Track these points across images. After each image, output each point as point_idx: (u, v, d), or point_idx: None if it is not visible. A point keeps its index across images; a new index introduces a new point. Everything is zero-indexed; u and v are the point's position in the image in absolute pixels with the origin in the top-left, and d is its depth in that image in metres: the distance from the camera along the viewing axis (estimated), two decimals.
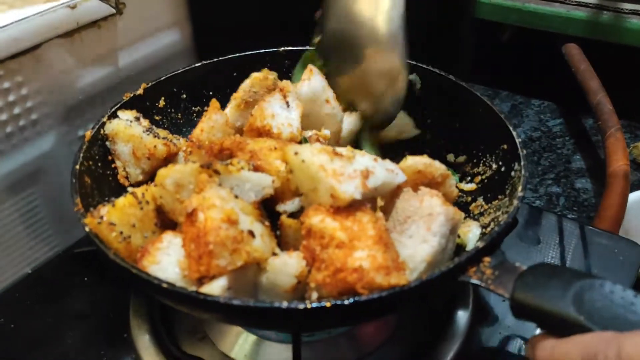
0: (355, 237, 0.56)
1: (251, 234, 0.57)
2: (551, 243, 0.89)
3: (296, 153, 0.61)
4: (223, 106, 0.87)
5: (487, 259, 0.58)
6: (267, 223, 0.63)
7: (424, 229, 0.60)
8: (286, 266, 0.58)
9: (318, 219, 0.57)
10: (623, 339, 0.45)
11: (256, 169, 0.66)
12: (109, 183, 0.76)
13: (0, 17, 0.79)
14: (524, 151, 0.72)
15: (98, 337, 0.81)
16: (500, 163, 0.77)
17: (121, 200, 0.63)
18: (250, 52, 0.92)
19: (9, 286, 0.88)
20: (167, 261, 0.60)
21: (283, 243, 0.64)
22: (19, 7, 0.82)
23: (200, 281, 0.57)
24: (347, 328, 0.77)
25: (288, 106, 0.74)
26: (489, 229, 0.70)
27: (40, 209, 0.89)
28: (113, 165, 0.77)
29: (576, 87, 1.29)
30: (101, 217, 0.60)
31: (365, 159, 0.62)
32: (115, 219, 0.61)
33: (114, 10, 0.87)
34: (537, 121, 1.42)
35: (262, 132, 0.73)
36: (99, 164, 0.74)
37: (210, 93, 0.90)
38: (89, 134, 0.74)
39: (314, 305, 0.51)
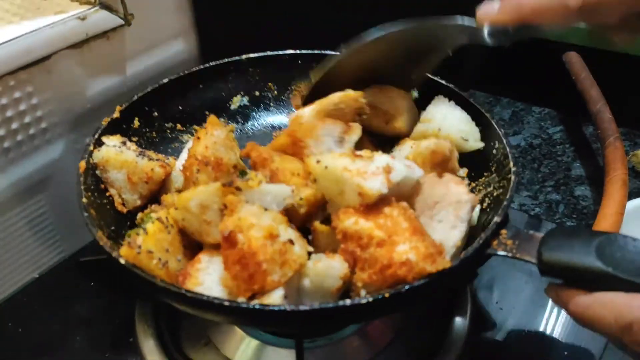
0: (393, 233, 0.59)
1: (291, 242, 0.60)
2: None
3: (318, 161, 0.64)
4: (193, 120, 0.90)
5: (504, 232, 0.62)
6: (293, 226, 0.65)
7: (453, 215, 0.65)
8: (331, 269, 0.61)
9: (351, 222, 0.60)
10: None
11: (272, 180, 0.68)
12: (108, 212, 0.75)
13: (12, 28, 0.81)
14: (502, 130, 0.77)
15: (104, 341, 0.83)
16: None
17: (151, 227, 0.63)
18: (213, 63, 0.93)
19: (16, 291, 0.90)
20: (210, 280, 0.62)
21: (315, 247, 0.66)
22: (31, 18, 0.84)
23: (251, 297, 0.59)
24: (348, 333, 0.79)
25: (341, 144, 0.74)
26: (485, 204, 0.74)
27: (48, 215, 0.91)
28: (107, 194, 0.76)
29: (577, 95, 1.30)
30: (139, 247, 0.60)
31: (383, 158, 0.65)
32: (152, 246, 0.61)
33: (122, 22, 0.89)
34: (537, 128, 1.43)
35: (297, 147, 0.73)
36: (96, 194, 0.73)
37: (180, 108, 0.91)
38: (82, 164, 0.72)
39: (372, 298, 0.55)
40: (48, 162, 0.88)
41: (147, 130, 0.87)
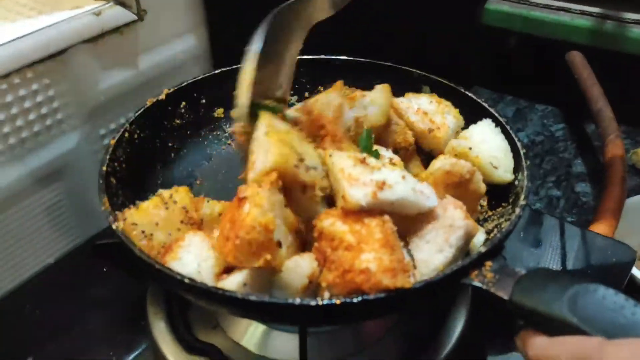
0: (363, 240, 0.58)
1: (279, 244, 0.60)
2: (550, 245, 0.93)
3: (330, 155, 0.66)
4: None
5: (488, 263, 0.61)
6: (296, 238, 0.66)
7: (443, 238, 0.63)
8: (299, 267, 0.61)
9: (329, 222, 0.61)
10: (608, 346, 0.48)
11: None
12: (134, 185, 0.79)
13: (30, 22, 0.84)
14: (527, 162, 0.75)
15: (117, 324, 0.87)
16: None
17: (146, 203, 0.68)
18: None
19: (33, 275, 0.94)
20: (187, 258, 0.64)
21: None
22: (48, 12, 0.87)
23: (219, 275, 0.62)
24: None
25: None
26: (492, 234, 0.73)
27: (64, 202, 0.94)
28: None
29: (579, 93, 1.32)
30: (125, 219, 0.66)
31: (392, 174, 0.63)
32: (137, 219, 0.66)
33: (135, 17, 0.92)
34: (540, 125, 1.45)
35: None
36: (124, 165, 0.78)
37: (228, 99, 0.94)
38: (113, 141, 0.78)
39: (325, 302, 0.55)
40: (63, 152, 0.91)
41: (191, 115, 0.91)
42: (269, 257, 0.58)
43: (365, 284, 0.56)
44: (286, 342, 0.80)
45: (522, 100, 1.54)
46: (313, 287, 0.62)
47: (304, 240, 0.67)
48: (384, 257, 0.57)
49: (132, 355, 0.82)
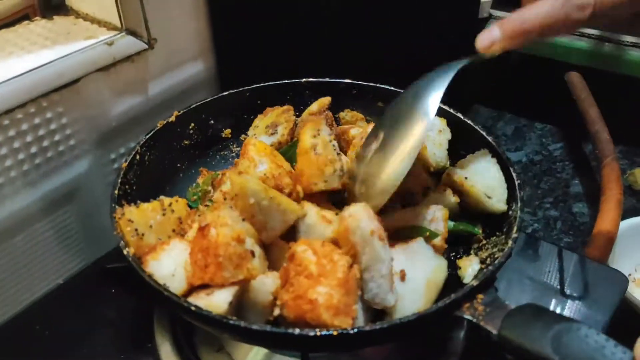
0: (324, 274, 0.61)
1: (252, 253, 0.65)
2: (547, 270, 0.94)
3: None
4: (244, 131, 0.97)
5: (480, 296, 0.63)
6: (261, 245, 0.70)
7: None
8: (264, 285, 0.65)
9: (302, 249, 0.64)
10: None
11: None
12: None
13: (45, 53, 0.87)
14: (522, 193, 0.76)
15: (124, 345, 0.88)
16: None
17: (146, 205, 0.73)
18: (272, 83, 0.99)
19: (42, 295, 0.96)
20: (167, 261, 0.68)
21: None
22: (62, 42, 0.90)
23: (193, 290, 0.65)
24: None
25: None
26: (485, 264, 0.75)
27: (73, 225, 0.97)
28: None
29: (578, 112, 1.34)
30: (123, 214, 0.70)
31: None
32: (134, 217, 0.70)
33: (146, 46, 0.95)
34: (539, 144, 1.48)
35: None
36: (134, 187, 0.81)
37: (235, 119, 0.98)
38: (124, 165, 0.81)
39: (323, 333, 0.58)
40: (75, 176, 0.94)
41: (200, 136, 0.94)
42: (249, 266, 0.63)
43: (308, 314, 0.59)
44: None
45: (521, 118, 1.56)
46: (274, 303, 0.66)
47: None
48: (335, 296, 0.60)
49: None
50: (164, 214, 0.72)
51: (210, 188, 0.86)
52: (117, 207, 0.74)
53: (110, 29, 0.95)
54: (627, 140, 1.40)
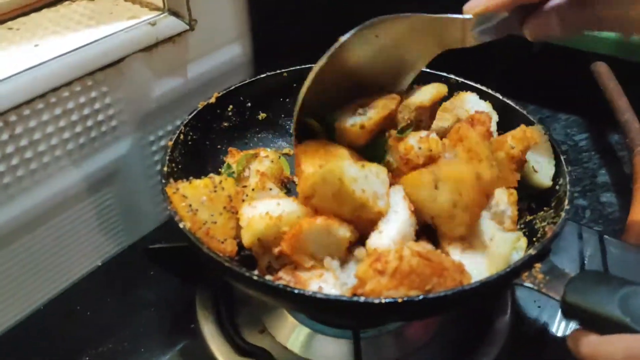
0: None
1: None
2: (585, 255, 0.95)
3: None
4: (284, 112, 0.97)
5: (538, 265, 0.65)
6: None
7: None
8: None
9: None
10: None
11: None
12: None
13: (90, 32, 0.87)
14: (569, 167, 0.78)
15: (166, 326, 0.89)
16: None
17: (197, 181, 0.73)
18: (310, 65, 0.98)
19: (82, 277, 0.96)
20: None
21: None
22: (106, 22, 0.89)
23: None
24: (396, 326, 0.84)
25: None
26: (535, 239, 0.76)
27: (114, 206, 0.96)
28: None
29: (602, 103, 1.34)
30: (177, 189, 0.71)
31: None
32: (188, 192, 0.71)
33: (187, 27, 0.94)
34: (563, 135, 1.47)
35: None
36: (180, 166, 0.82)
37: (273, 102, 0.98)
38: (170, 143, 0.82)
39: (388, 301, 0.58)
40: (116, 157, 0.93)
41: (238, 118, 0.95)
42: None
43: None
44: (330, 346, 0.83)
45: (545, 109, 1.56)
46: None
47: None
48: None
49: (181, 357, 0.84)
50: (215, 191, 0.73)
51: (243, 168, 0.86)
52: (168, 182, 0.74)
53: (152, 9, 0.94)
54: None
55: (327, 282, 0.66)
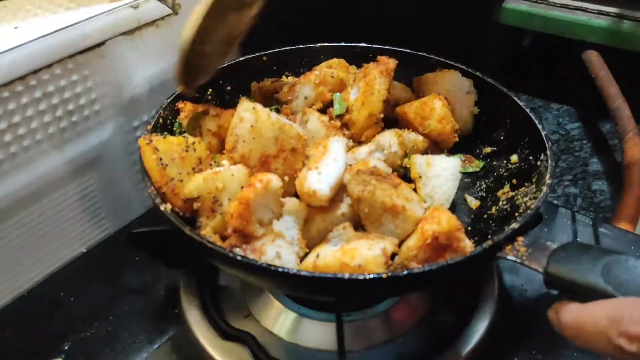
0: None
1: None
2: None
3: None
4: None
5: (520, 239, 0.65)
6: None
7: None
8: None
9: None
10: None
11: None
12: None
13: (70, 14, 0.86)
14: (549, 143, 0.79)
15: (150, 311, 0.88)
16: (527, 153, 0.84)
17: (172, 137, 0.75)
18: (289, 47, 1.00)
19: (67, 263, 0.95)
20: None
21: None
22: (87, 4, 0.89)
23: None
24: (382, 310, 0.83)
25: None
26: (517, 214, 0.76)
27: (96, 192, 0.96)
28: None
29: (594, 93, 1.34)
30: (150, 140, 0.72)
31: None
32: (160, 147, 0.72)
33: (170, 11, 0.94)
34: (555, 124, 1.47)
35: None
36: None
37: (250, 85, 0.97)
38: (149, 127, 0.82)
39: (372, 276, 0.59)
40: (99, 142, 0.93)
41: (217, 101, 0.95)
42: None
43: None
44: (315, 330, 0.82)
45: (537, 99, 1.56)
46: None
47: None
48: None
49: (164, 342, 0.83)
50: (186, 150, 0.74)
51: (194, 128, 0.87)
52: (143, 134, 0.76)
53: None
54: None
55: (281, 246, 0.67)
